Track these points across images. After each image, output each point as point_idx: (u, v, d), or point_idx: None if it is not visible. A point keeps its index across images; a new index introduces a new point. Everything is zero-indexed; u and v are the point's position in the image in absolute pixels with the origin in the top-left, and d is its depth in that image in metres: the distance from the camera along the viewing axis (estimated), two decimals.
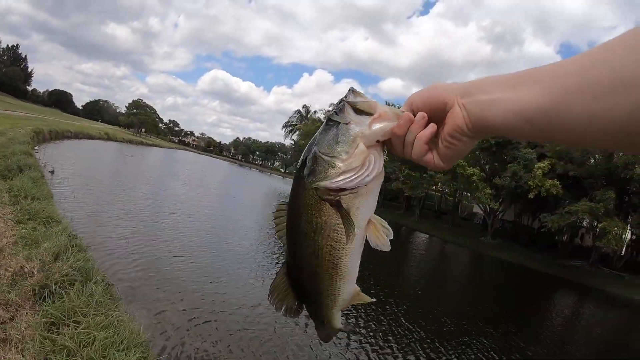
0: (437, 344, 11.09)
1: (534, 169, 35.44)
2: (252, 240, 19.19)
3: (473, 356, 11.11)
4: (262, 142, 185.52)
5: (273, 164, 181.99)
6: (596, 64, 0.69)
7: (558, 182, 34.58)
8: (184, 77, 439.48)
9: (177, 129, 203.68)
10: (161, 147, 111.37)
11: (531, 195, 34.85)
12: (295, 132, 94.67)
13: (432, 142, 0.96)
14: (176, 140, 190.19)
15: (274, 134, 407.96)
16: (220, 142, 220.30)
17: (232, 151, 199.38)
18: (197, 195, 31.18)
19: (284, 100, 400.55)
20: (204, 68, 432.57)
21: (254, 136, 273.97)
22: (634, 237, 38.67)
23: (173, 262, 12.23)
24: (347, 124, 0.99)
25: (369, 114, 0.99)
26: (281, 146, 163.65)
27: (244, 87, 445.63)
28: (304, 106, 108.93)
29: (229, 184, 52.14)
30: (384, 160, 1.02)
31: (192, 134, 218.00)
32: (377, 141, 1.00)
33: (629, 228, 35.72)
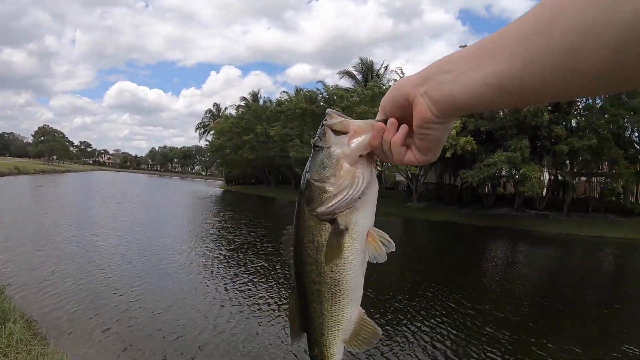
0: (382, 311, 11.26)
1: None
2: (176, 248, 18.92)
3: (422, 318, 11.17)
4: (179, 147, 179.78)
5: (193, 169, 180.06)
6: (557, 16, 0.64)
7: (472, 139, 35.81)
8: (89, 95, 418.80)
9: (89, 149, 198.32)
10: (75, 171, 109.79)
11: (448, 155, 35.52)
12: (209, 132, 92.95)
13: (410, 141, 0.95)
14: (91, 162, 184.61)
15: (189, 137, 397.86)
16: (136, 155, 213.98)
17: (150, 163, 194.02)
18: (115, 212, 30.62)
19: (195, 102, 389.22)
20: (108, 82, 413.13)
21: (169, 143, 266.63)
22: (551, 177, 41.98)
23: (94, 284, 12.10)
24: (328, 147, 1.02)
25: (346, 133, 1.01)
26: (198, 149, 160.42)
27: (152, 95, 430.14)
28: (215, 104, 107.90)
29: (149, 196, 50.88)
30: (377, 168, 1.07)
31: (106, 152, 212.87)
32: (361, 156, 1.01)
33: (545, 170, 38.49)
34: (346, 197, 1.00)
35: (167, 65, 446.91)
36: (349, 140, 1.00)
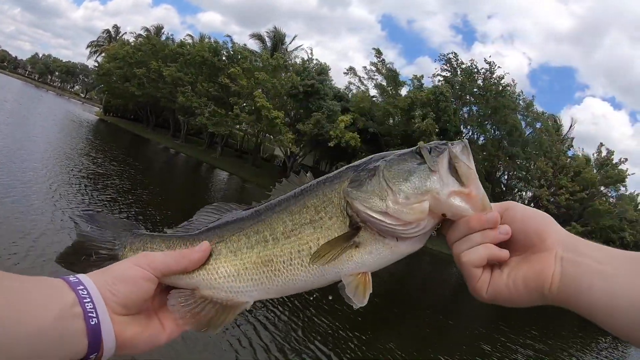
0: None
1: (337, 121, 36.75)
2: (26, 164, 16.92)
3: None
4: (64, 61, 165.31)
5: (73, 87, 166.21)
6: None
7: (357, 136, 36.32)
8: None
9: None
10: None
11: (331, 144, 36.26)
12: (100, 53, 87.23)
13: (495, 267, 0.85)
14: None
15: (78, 53, 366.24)
16: (16, 57, 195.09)
17: (29, 69, 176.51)
18: None
19: (95, 17, 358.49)
20: None
21: (55, 54, 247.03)
22: None
23: None
24: (432, 171, 0.86)
25: (461, 182, 0.86)
26: (84, 67, 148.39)
27: None
28: (115, 26, 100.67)
29: (17, 104, 46.05)
30: (430, 235, 0.93)
31: None
32: (443, 214, 0.88)
33: None
34: (389, 225, 0.84)
35: None
36: (455, 193, 0.84)
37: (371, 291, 0.89)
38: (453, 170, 0.84)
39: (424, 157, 0.86)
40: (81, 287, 0.77)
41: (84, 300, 0.75)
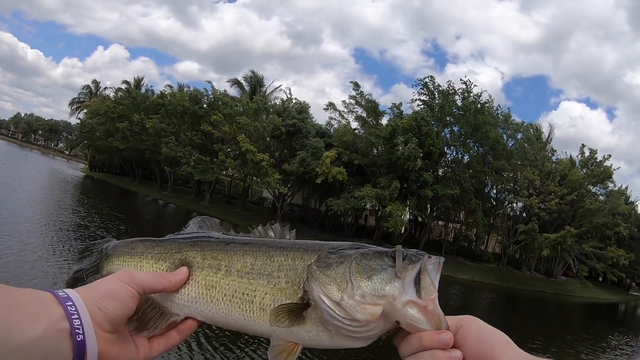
0: None
1: (322, 157, 36.79)
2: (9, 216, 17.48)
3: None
4: (46, 119, 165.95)
5: (57, 145, 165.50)
6: None
7: (344, 169, 36.42)
8: None
9: None
10: None
11: (318, 181, 36.30)
12: (82, 109, 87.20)
13: None
14: None
15: (60, 111, 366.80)
16: None
17: (12, 129, 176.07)
18: None
19: (74, 74, 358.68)
20: None
21: (37, 112, 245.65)
22: (412, 217, 44.62)
23: None
24: (397, 277, 0.87)
25: (419, 295, 0.85)
26: (66, 125, 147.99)
27: (31, 55, 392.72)
28: (95, 81, 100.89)
29: (2, 168, 45.28)
30: (377, 337, 0.90)
31: None
32: (398, 323, 0.87)
33: (407, 210, 40.05)
34: (337, 316, 0.85)
35: (55, 28, 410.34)
36: (412, 302, 0.84)
37: None
38: (417, 283, 0.86)
39: (396, 261, 0.87)
40: (69, 302, 0.80)
41: (72, 317, 0.78)
